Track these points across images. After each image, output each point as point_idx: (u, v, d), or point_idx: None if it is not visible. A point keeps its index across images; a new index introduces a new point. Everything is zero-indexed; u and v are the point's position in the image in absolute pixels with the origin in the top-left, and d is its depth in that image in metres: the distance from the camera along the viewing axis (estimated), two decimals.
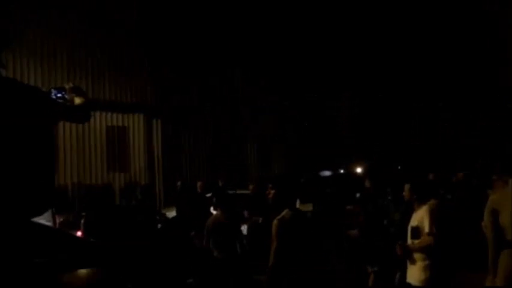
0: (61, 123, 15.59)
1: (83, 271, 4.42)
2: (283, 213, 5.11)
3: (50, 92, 2.74)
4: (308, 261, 5.13)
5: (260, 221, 7.18)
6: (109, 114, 16.71)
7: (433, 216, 4.81)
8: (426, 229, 4.80)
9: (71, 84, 2.78)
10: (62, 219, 9.56)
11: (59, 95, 2.70)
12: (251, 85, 20.35)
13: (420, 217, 4.90)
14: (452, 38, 23.66)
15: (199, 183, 11.11)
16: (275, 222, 5.05)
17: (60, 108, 2.69)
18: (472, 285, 6.70)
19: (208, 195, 10.94)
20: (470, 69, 23.93)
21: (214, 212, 10.33)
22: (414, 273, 4.83)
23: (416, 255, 4.80)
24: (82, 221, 7.90)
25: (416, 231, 4.84)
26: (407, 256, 4.87)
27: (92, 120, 16.03)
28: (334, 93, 24.34)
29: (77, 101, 2.65)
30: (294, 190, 5.33)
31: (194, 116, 18.79)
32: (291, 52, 21.51)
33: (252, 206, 8.73)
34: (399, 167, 23.81)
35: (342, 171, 24.87)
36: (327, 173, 23.81)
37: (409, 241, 4.92)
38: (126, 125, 17.15)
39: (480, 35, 23.36)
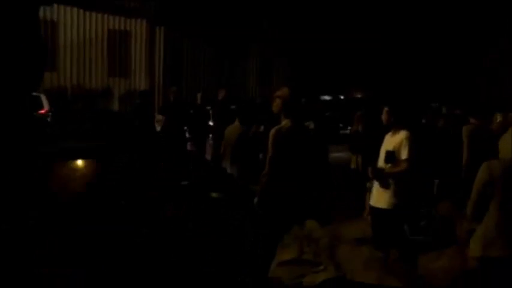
0: (61, 23, 15.30)
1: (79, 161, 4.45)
2: (283, 123, 5.02)
3: None
4: (303, 174, 5.11)
5: (261, 129, 7.18)
6: (111, 17, 16.29)
7: (410, 143, 4.80)
8: (402, 155, 4.81)
9: None
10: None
11: None
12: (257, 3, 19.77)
13: (397, 142, 4.87)
14: None
15: (199, 95, 11.06)
16: (272, 131, 4.97)
17: None
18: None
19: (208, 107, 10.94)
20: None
21: (211, 124, 10.44)
22: (383, 196, 4.87)
23: (389, 180, 4.83)
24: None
25: (391, 156, 4.83)
26: (379, 179, 4.86)
27: (93, 21, 15.91)
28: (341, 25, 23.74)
29: None
30: (297, 102, 5.18)
31: (198, 27, 18.37)
32: None
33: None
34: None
35: (341, 97, 24.83)
36: (327, 98, 23.79)
37: (382, 164, 4.92)
38: (128, 29, 16.78)
39: None
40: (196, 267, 3.77)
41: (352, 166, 8.31)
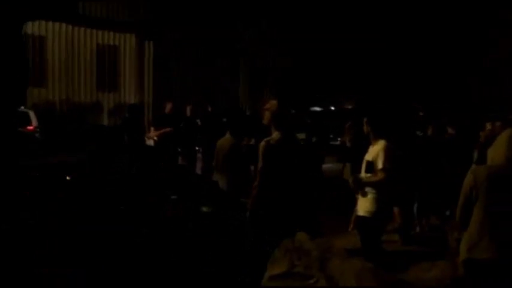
0: (50, 38, 15.27)
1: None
2: (273, 135, 5.03)
3: None
4: (294, 186, 5.10)
5: (252, 142, 7.16)
6: (100, 32, 16.29)
7: (387, 153, 4.92)
8: (379, 165, 4.91)
9: None
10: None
11: None
12: (248, 15, 19.88)
13: (375, 152, 4.99)
14: None
15: (188, 107, 11.01)
16: (262, 143, 4.99)
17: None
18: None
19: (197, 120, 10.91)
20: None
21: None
22: (363, 204, 5.00)
23: (367, 188, 4.96)
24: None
25: (371, 166, 4.97)
26: (359, 188, 5.01)
27: (81, 36, 15.90)
28: (331, 32, 23.91)
29: None
30: (286, 114, 5.19)
31: (188, 41, 18.41)
32: None
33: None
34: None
35: (332, 108, 24.95)
36: (317, 109, 23.90)
37: (363, 174, 5.06)
38: (117, 44, 16.78)
39: None
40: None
41: (345, 177, 8.30)
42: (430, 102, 23.59)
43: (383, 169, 4.88)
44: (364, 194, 4.97)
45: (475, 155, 6.97)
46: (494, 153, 3.49)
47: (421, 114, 11.37)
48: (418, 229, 7.29)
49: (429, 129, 7.78)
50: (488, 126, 7.89)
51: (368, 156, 5.05)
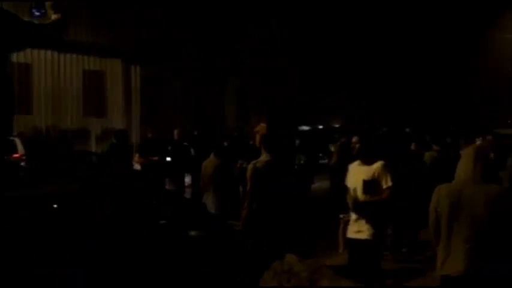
0: (36, 66, 15.24)
1: None
2: (261, 157, 5.07)
3: (31, 13, 2.65)
4: (284, 207, 5.10)
5: (244, 165, 7.19)
6: (85, 57, 16.30)
7: (389, 171, 4.85)
8: (385, 184, 4.82)
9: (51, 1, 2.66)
10: None
11: (37, 13, 2.61)
12: (233, 34, 20.03)
13: (372, 172, 4.85)
14: None
15: (176, 131, 11.05)
16: (250, 165, 5.03)
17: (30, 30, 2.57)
18: None
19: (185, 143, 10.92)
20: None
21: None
22: (365, 227, 4.82)
23: (368, 211, 4.78)
24: None
25: (370, 185, 4.79)
26: (360, 211, 4.80)
27: (67, 63, 15.89)
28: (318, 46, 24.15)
29: (53, 16, 2.55)
30: (274, 136, 5.24)
31: (174, 64, 18.48)
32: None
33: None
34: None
35: (320, 126, 25.04)
36: (305, 128, 23.96)
37: (359, 194, 4.85)
38: (103, 69, 16.79)
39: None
40: None
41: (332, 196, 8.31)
42: (430, 104, 23.78)
43: (389, 187, 4.80)
44: (368, 216, 4.79)
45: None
46: (458, 171, 3.57)
47: (407, 130, 11.49)
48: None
49: (412, 146, 7.82)
50: (478, 141, 7.99)
51: (362, 176, 4.86)
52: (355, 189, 4.87)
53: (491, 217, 3.38)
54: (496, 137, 10.06)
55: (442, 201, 3.51)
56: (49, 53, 15.35)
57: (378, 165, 4.88)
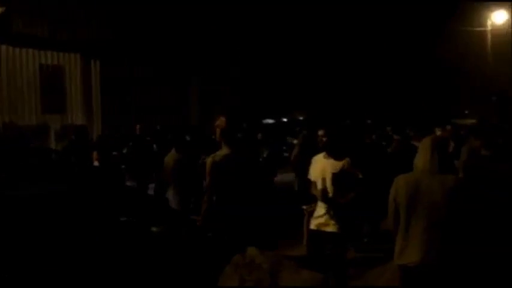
0: None
1: None
2: (220, 151, 5.05)
3: None
4: (244, 200, 5.09)
5: (205, 160, 7.16)
6: (42, 52, 15.86)
7: (354, 166, 4.85)
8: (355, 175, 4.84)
9: None
10: None
11: None
12: (196, 29, 19.88)
13: (341, 165, 4.82)
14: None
15: (137, 126, 10.92)
16: (209, 159, 5.02)
17: None
18: None
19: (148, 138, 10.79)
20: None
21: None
22: (333, 220, 4.80)
23: (335, 203, 4.76)
24: None
25: (341, 178, 4.75)
26: (329, 203, 4.76)
27: (23, 57, 15.44)
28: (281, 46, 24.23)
29: None
30: (233, 130, 5.23)
31: (135, 59, 18.21)
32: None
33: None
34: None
35: (284, 119, 25.15)
36: (270, 121, 24.02)
37: (328, 186, 4.79)
38: (61, 63, 16.38)
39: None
40: None
41: (296, 189, 8.33)
42: (390, 95, 24.10)
43: (361, 180, 4.80)
44: (337, 209, 4.75)
45: None
46: (416, 161, 3.61)
47: (368, 122, 11.63)
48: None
49: (373, 137, 7.91)
50: (438, 131, 8.11)
51: (329, 169, 4.80)
52: (323, 181, 4.79)
53: (448, 207, 3.43)
54: (454, 128, 10.29)
55: (400, 191, 3.55)
56: (4, 47, 14.86)
57: (346, 160, 4.84)
